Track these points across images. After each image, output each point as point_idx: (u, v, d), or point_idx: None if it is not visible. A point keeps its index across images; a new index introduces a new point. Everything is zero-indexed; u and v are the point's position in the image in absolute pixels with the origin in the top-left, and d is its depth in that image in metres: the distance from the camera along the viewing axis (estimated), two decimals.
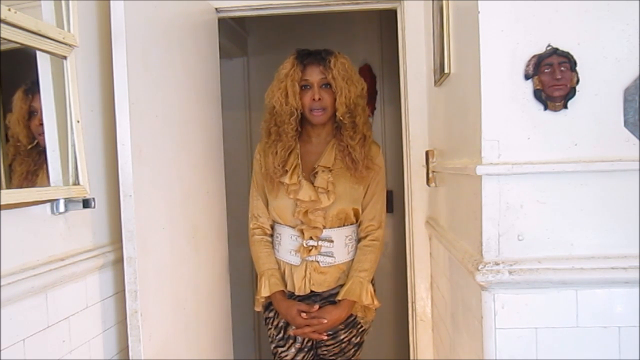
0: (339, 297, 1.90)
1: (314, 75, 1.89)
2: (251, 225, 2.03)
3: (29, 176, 1.35)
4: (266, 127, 1.95)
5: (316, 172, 1.91)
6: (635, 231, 1.23)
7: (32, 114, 1.36)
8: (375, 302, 1.94)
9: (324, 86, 1.89)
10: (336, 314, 1.89)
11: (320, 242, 1.90)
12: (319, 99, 1.88)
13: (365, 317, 1.98)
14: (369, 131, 1.94)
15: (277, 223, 1.99)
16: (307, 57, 1.90)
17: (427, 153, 2.04)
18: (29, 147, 1.35)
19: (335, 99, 1.88)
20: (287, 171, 1.89)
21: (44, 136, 1.38)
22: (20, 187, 1.31)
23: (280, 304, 1.93)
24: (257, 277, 2.01)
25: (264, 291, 1.94)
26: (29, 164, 1.35)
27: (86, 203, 1.45)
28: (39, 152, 1.38)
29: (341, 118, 1.88)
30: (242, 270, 3.11)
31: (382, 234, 1.99)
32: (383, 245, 2.02)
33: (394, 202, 3.11)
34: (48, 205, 1.39)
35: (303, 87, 1.90)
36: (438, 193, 1.98)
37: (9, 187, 1.26)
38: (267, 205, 2.00)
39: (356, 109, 1.89)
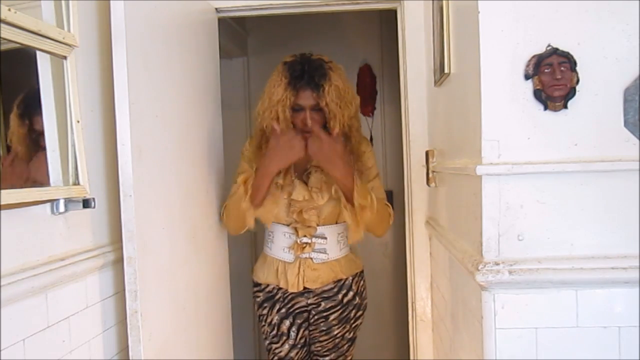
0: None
1: (307, 100, 1.83)
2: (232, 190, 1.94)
3: None
4: (257, 141, 1.92)
5: (309, 172, 1.93)
6: (635, 231, 1.23)
7: None
8: (369, 201, 1.82)
9: (315, 110, 1.85)
10: (335, 143, 1.78)
11: (313, 239, 1.92)
12: (311, 122, 1.84)
13: (352, 236, 1.89)
14: (360, 137, 1.95)
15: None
16: (300, 81, 1.82)
17: (427, 153, 2.04)
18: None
19: (326, 118, 1.85)
20: (280, 171, 1.90)
21: None
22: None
23: (278, 138, 1.80)
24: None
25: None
26: None
27: (86, 203, 1.45)
28: None
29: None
30: (242, 270, 3.11)
31: (387, 206, 1.96)
32: (389, 213, 1.96)
33: (394, 202, 3.11)
34: (48, 205, 1.39)
35: (295, 110, 1.85)
36: (438, 193, 1.98)
37: None
38: None
39: (350, 131, 1.88)
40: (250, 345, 3.46)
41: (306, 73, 1.82)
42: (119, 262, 1.62)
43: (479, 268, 1.24)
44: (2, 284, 1.17)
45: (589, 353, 1.23)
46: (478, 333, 1.29)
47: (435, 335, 2.17)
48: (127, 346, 1.53)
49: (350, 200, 1.82)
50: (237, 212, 1.89)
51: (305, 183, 1.91)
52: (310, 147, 1.79)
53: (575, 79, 1.22)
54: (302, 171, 1.95)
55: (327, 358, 2.04)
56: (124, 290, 1.51)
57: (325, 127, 1.91)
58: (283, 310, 2.00)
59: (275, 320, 2.01)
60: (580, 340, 1.23)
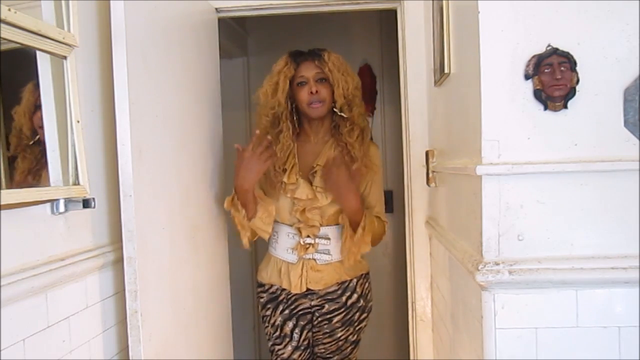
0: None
1: (309, 70, 1.91)
2: None
3: (29, 176, 1.34)
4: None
5: (315, 172, 1.92)
6: (635, 231, 1.23)
7: (38, 107, 1.35)
8: (365, 234, 1.86)
9: (319, 81, 1.91)
10: (347, 175, 1.82)
11: (317, 240, 1.91)
12: (316, 91, 1.89)
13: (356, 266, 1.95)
14: (366, 126, 1.96)
15: (274, 221, 2.00)
16: (301, 55, 1.94)
17: (427, 153, 2.04)
18: (31, 142, 1.35)
19: (332, 93, 1.91)
20: (285, 170, 1.90)
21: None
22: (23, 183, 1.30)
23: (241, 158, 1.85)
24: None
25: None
26: (31, 160, 1.35)
27: (86, 203, 1.45)
28: (42, 150, 1.37)
29: (340, 111, 1.90)
30: (242, 270, 3.11)
31: (385, 224, 2.00)
32: (384, 231, 2.00)
33: (394, 202, 3.11)
34: (48, 205, 1.39)
35: (299, 84, 1.91)
36: (438, 193, 1.98)
37: (9, 186, 1.25)
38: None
39: (354, 101, 1.92)
40: (250, 345, 3.46)
41: (307, 51, 1.95)
42: (119, 262, 1.62)
43: (479, 268, 1.24)
44: (2, 284, 1.17)
45: (589, 353, 1.23)
46: (478, 333, 1.29)
47: (435, 335, 2.17)
48: (127, 346, 1.53)
49: (354, 227, 1.86)
50: (241, 228, 1.95)
51: (310, 182, 1.91)
52: (327, 178, 1.85)
53: (575, 79, 1.22)
54: (308, 170, 1.95)
55: None
56: (124, 290, 1.51)
57: (334, 105, 1.94)
58: (286, 311, 2.00)
59: (278, 322, 2.00)
60: (580, 340, 1.23)
